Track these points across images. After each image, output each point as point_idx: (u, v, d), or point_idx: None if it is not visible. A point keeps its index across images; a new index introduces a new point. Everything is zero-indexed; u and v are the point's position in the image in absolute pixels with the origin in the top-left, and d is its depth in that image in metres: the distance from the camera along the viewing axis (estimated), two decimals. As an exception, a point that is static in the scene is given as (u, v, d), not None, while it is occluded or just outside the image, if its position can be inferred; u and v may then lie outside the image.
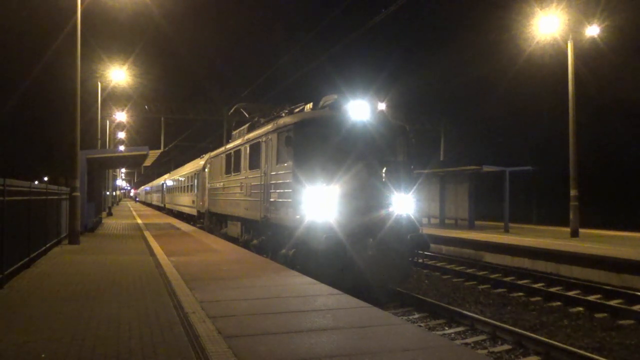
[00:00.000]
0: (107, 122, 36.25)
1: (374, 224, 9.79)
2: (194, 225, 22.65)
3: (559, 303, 10.25)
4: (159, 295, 6.79)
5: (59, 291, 7.04)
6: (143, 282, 7.74)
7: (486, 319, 8.48)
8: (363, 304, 6.33)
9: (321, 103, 11.16)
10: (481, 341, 7.80)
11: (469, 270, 13.95)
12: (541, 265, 14.04)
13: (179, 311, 5.83)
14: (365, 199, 9.87)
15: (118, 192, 73.95)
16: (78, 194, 13.70)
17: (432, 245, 13.42)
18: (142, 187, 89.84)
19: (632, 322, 8.81)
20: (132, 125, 42.76)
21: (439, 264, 15.18)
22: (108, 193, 35.27)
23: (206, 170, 20.75)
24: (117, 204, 59.45)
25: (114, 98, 34.55)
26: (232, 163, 15.19)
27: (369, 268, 9.34)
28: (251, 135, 13.26)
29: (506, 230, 20.04)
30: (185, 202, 28.68)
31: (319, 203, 9.48)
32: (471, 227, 21.98)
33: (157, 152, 33.24)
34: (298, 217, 9.67)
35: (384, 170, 10.17)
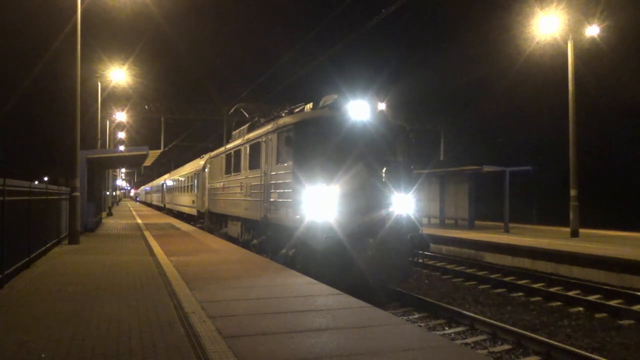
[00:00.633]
0: (107, 122, 36.24)
1: (374, 224, 9.79)
2: (194, 225, 22.65)
3: (559, 303, 10.25)
4: (159, 295, 6.79)
5: (59, 291, 7.04)
6: (143, 282, 7.74)
7: (486, 319, 8.47)
8: (363, 304, 6.33)
9: (321, 103, 11.16)
10: (481, 341, 7.80)
11: (469, 270, 13.95)
12: (541, 265, 14.04)
13: (179, 311, 5.83)
14: (365, 199, 9.87)
15: (118, 192, 73.96)
16: (78, 194, 13.70)
17: (432, 245, 13.43)
18: (142, 187, 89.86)
19: (632, 322, 8.81)
20: (132, 125, 42.76)
21: (439, 264, 15.18)
22: (108, 193, 35.27)
23: (206, 170, 20.75)
24: (117, 204, 59.45)
25: (114, 98, 34.56)
26: (232, 163, 15.19)
27: (369, 268, 9.34)
28: (251, 135, 13.26)
29: (506, 230, 20.04)
30: (185, 202, 28.68)
31: (319, 203, 9.48)
32: (471, 227, 21.98)
33: (157, 152, 33.23)
34: (298, 217, 9.68)
35: (384, 170, 10.17)
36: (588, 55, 22.17)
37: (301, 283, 7.73)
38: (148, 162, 37.71)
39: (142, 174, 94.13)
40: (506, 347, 7.46)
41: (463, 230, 20.66)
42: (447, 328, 8.57)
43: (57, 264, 9.79)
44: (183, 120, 39.51)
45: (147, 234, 16.99)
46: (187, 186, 27.60)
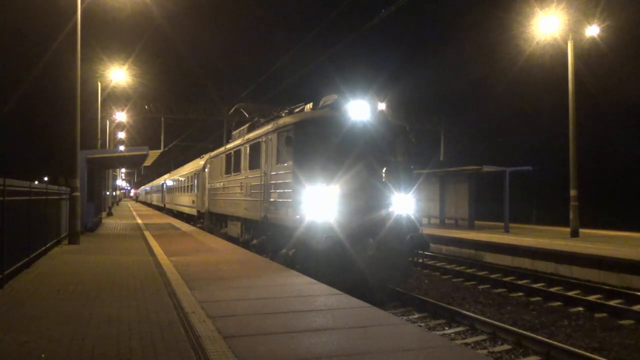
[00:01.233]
0: (107, 122, 36.22)
1: (374, 224, 9.79)
2: (194, 225, 22.65)
3: (559, 303, 10.25)
4: (159, 295, 6.79)
5: (59, 291, 7.04)
6: (143, 282, 7.74)
7: (486, 319, 8.48)
8: (363, 304, 6.33)
9: (321, 103, 11.16)
10: (481, 341, 7.80)
11: (469, 270, 13.96)
12: (541, 265, 14.04)
13: (179, 311, 5.83)
14: (365, 199, 9.88)
15: (118, 192, 73.94)
16: (78, 194, 13.70)
17: (432, 245, 13.44)
18: (142, 187, 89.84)
19: (632, 322, 8.82)
20: (132, 125, 42.74)
21: (439, 264, 15.18)
22: (108, 193, 35.26)
23: (206, 170, 20.75)
24: (117, 204, 59.45)
25: (114, 98, 34.55)
26: (232, 163, 15.19)
27: (369, 268, 9.34)
28: (251, 135, 13.26)
29: (506, 230, 20.04)
30: (185, 202, 28.68)
31: (319, 203, 9.48)
32: (471, 227, 21.98)
33: (157, 152, 33.25)
34: (298, 217, 9.67)
35: (384, 170, 10.17)
36: (588, 55, 22.18)
37: (301, 283, 7.73)
38: (148, 162, 37.75)
39: (142, 174, 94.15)
40: (506, 347, 7.46)
41: (463, 230, 20.66)
42: (447, 328, 8.57)
43: (57, 264, 9.79)
44: (183, 120, 39.50)
45: (147, 234, 16.99)
46: (187, 186, 27.59)
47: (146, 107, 36.92)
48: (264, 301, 6.39)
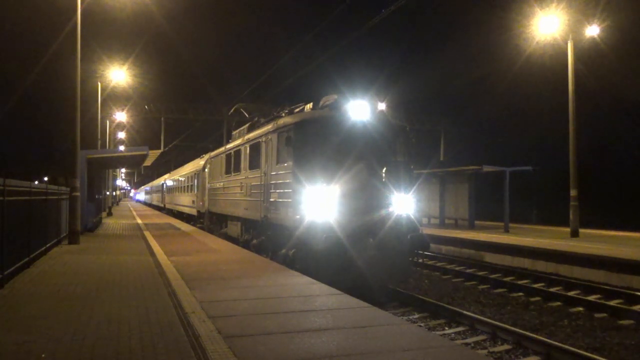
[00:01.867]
0: (107, 122, 36.23)
1: (374, 224, 9.79)
2: (194, 225, 22.65)
3: (559, 303, 10.25)
4: (159, 295, 6.79)
5: (59, 291, 7.05)
6: (143, 282, 7.74)
7: (486, 319, 8.48)
8: (363, 304, 6.33)
9: (321, 103, 11.16)
10: (481, 341, 7.80)
11: (469, 270, 13.95)
12: (541, 265, 14.04)
13: (179, 311, 5.83)
14: (365, 199, 9.87)
15: (118, 192, 73.91)
16: (78, 194, 13.70)
17: (432, 245, 13.43)
18: (142, 187, 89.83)
19: (632, 322, 8.81)
20: (132, 125, 42.77)
21: (439, 264, 15.18)
22: (108, 193, 35.26)
23: (206, 170, 20.74)
24: (117, 204, 59.45)
25: (114, 98, 34.55)
26: (232, 163, 15.19)
27: (368, 268, 9.34)
28: (251, 135, 13.26)
29: (506, 230, 20.04)
30: (185, 202, 28.67)
31: (319, 203, 9.48)
32: (471, 227, 21.98)
33: (157, 152, 33.21)
34: (298, 217, 9.67)
35: (384, 170, 10.17)
36: (588, 55, 22.19)
37: (301, 283, 7.73)
38: (148, 162, 37.70)
39: (142, 174, 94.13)
40: (506, 347, 7.46)
41: (463, 230, 20.66)
42: (447, 328, 8.57)
43: (57, 264, 9.79)
44: (183, 120, 39.55)
45: (147, 234, 16.99)
46: (187, 186, 27.59)
47: (146, 107, 36.97)
48: (264, 301, 6.38)
